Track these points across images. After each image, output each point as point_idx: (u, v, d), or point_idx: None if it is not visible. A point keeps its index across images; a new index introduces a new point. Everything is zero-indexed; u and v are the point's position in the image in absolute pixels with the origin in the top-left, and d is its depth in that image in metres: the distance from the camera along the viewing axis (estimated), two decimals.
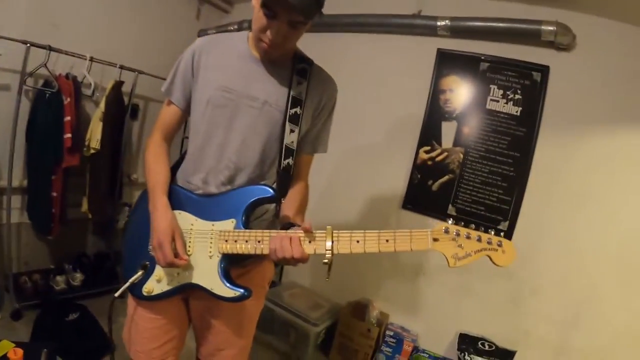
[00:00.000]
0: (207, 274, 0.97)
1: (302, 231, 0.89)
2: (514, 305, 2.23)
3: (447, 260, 0.85)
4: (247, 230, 0.96)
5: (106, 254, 2.89)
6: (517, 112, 2.25)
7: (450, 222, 0.87)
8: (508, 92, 2.26)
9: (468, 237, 0.86)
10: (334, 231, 0.89)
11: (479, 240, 0.86)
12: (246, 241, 0.95)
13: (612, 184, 2.04)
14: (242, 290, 0.94)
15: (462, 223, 0.88)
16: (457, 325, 2.34)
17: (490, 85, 2.30)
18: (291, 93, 1.04)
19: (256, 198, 0.99)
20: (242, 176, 1.05)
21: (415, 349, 2.30)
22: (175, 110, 1.12)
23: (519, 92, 2.24)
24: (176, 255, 0.95)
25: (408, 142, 2.53)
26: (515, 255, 0.88)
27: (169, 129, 1.14)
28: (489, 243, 0.86)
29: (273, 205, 1.12)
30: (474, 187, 2.35)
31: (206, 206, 1.02)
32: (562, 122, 2.13)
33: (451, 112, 2.42)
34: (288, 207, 1.09)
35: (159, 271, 1.02)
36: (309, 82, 1.07)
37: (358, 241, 0.87)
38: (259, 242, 0.94)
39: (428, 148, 2.49)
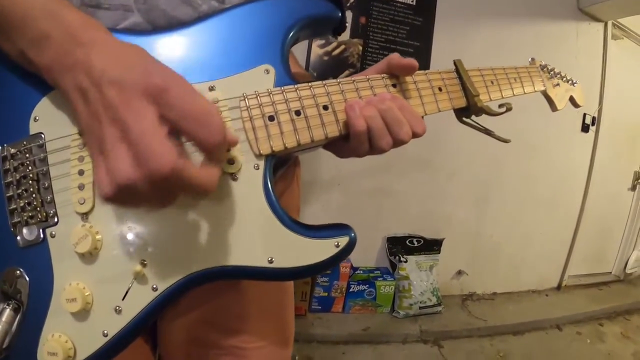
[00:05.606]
0: (242, 229, 0.38)
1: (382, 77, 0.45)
2: (433, 194, 2.23)
3: (553, 103, 0.66)
4: (299, 84, 0.40)
5: None
6: (412, 1, 2.16)
7: (530, 59, 0.64)
8: None
9: (559, 75, 0.66)
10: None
11: (564, 78, 0.67)
12: (325, 107, 0.40)
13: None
14: (348, 233, 0.40)
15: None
16: (382, 231, 2.23)
17: None
18: None
19: (309, 15, 0.42)
20: None
21: (353, 268, 2.09)
22: None
23: None
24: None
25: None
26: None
27: None
28: (568, 81, 0.69)
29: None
30: None
31: (175, 50, 0.39)
32: (458, 14, 2.16)
33: (345, 1, 2.13)
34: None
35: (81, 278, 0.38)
36: None
37: (492, 82, 0.53)
38: (325, 108, 0.40)
39: (322, 42, 2.14)
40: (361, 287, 2.08)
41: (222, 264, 0.38)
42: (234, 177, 0.38)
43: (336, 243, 0.39)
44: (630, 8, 2.20)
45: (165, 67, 0.32)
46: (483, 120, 0.55)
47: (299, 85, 0.40)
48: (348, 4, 2.10)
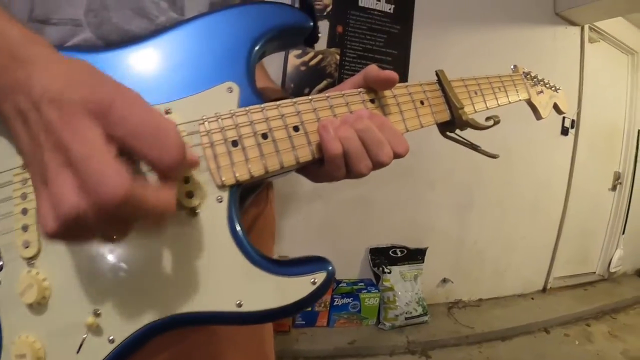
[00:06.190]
0: (206, 270, 0.34)
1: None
2: (416, 203, 2.21)
3: (538, 111, 0.63)
4: (266, 104, 0.36)
5: None
6: (390, 9, 2.16)
7: (512, 67, 0.63)
8: None
9: (542, 82, 0.64)
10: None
11: (547, 85, 0.65)
12: (296, 129, 0.36)
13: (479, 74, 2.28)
14: (325, 267, 0.35)
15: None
16: (365, 242, 2.20)
17: None
18: None
19: (276, 26, 0.39)
20: None
21: (336, 281, 2.04)
22: None
23: None
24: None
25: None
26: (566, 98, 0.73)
27: None
28: (552, 88, 0.67)
29: None
30: None
31: (128, 68, 0.35)
32: (435, 21, 2.15)
33: (321, 10, 2.09)
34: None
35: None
36: None
37: (476, 92, 0.51)
38: (296, 129, 0.36)
39: (299, 52, 2.10)
40: (345, 300, 2.03)
41: (184, 311, 0.33)
42: (194, 212, 0.33)
43: (313, 280, 0.34)
44: (605, 11, 2.24)
45: (115, 82, 0.28)
46: (468, 133, 0.52)
47: (265, 104, 0.35)
48: (324, 13, 2.08)
